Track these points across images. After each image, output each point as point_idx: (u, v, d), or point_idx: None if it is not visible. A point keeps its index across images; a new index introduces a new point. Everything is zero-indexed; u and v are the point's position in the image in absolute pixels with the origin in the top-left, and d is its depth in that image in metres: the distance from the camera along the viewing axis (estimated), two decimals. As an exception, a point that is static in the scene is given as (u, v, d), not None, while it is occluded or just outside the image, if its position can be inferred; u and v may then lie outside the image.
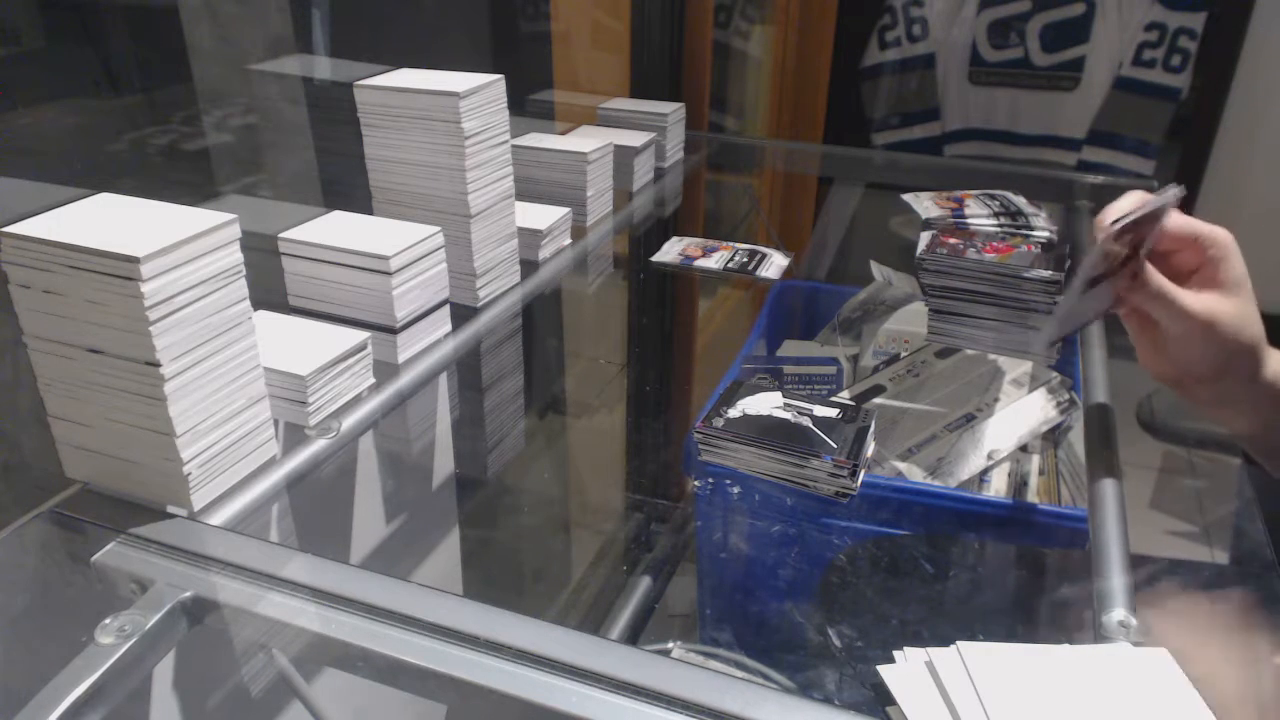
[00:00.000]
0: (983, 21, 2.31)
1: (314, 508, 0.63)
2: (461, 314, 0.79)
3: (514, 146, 0.82)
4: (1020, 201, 0.99)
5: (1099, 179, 1.23)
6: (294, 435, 0.61)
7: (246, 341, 0.54)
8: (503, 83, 0.77)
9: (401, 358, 0.71)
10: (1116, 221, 0.55)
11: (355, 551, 0.71)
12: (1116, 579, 0.51)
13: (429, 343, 0.74)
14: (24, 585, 0.52)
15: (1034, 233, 0.92)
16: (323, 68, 0.87)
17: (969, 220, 0.95)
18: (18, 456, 0.64)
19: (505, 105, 0.78)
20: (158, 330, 0.48)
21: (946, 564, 0.75)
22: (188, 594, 0.47)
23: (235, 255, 0.52)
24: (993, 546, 0.74)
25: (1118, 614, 0.49)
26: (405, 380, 0.70)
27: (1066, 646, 0.44)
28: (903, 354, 0.93)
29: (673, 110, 1.23)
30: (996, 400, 0.83)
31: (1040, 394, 0.83)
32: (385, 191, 0.80)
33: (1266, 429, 0.62)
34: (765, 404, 0.69)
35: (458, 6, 1.10)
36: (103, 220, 0.50)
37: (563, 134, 1.11)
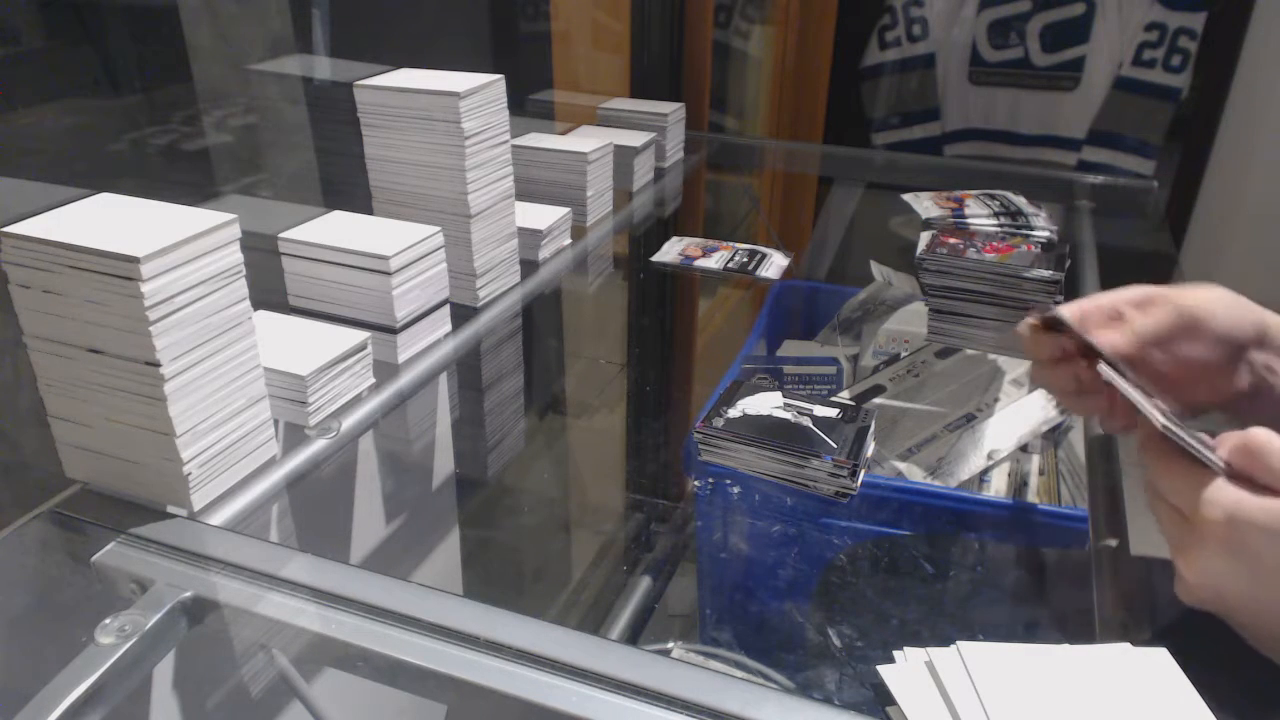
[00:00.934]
0: (983, 21, 2.31)
1: (314, 508, 0.63)
2: (461, 314, 0.79)
3: (514, 146, 0.82)
4: (1020, 201, 0.99)
5: (1099, 179, 1.23)
6: (294, 435, 0.61)
7: (246, 341, 0.54)
8: (503, 83, 0.77)
9: (401, 358, 0.71)
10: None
11: (355, 551, 0.71)
12: (1116, 579, 0.51)
13: (429, 343, 0.74)
14: (24, 585, 0.52)
15: (1034, 233, 0.92)
16: (323, 68, 0.87)
17: (969, 220, 0.95)
18: (18, 456, 0.64)
19: (505, 105, 0.78)
20: (158, 330, 0.48)
21: (946, 564, 0.75)
22: (188, 594, 0.47)
23: (235, 255, 0.52)
24: (993, 546, 0.74)
25: (1118, 614, 0.49)
26: (405, 380, 0.70)
27: (1066, 646, 0.44)
28: (903, 354, 0.93)
29: (673, 110, 1.23)
30: (996, 400, 0.83)
31: (1040, 394, 0.83)
32: (385, 191, 0.80)
33: None
34: (765, 404, 0.69)
35: (458, 6, 1.10)
36: (103, 220, 0.50)
37: (563, 134, 1.11)
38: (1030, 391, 0.84)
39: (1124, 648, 0.45)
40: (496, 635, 0.44)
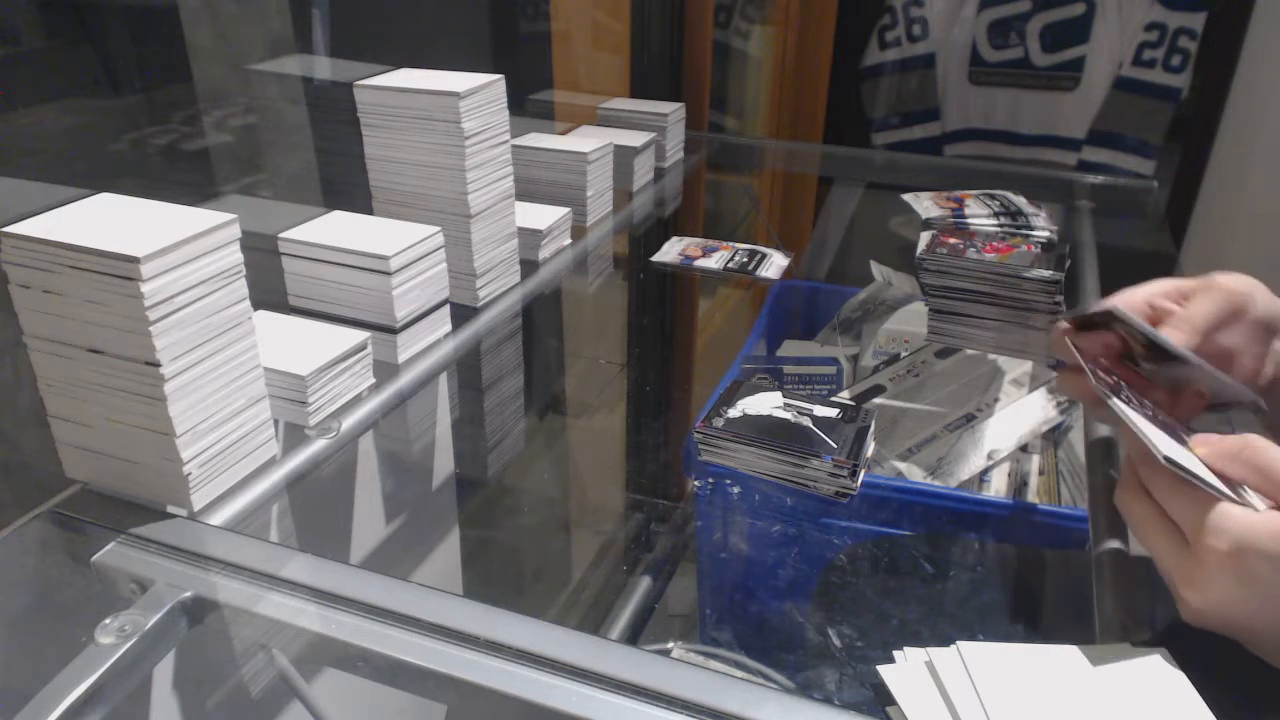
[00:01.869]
0: (983, 21, 2.31)
1: (314, 508, 0.63)
2: (461, 314, 0.79)
3: (514, 146, 0.82)
4: (1020, 201, 0.99)
5: (1099, 179, 1.23)
6: (294, 435, 0.61)
7: (246, 341, 0.54)
8: (503, 83, 0.77)
9: (401, 358, 0.71)
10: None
11: (355, 551, 0.71)
12: (1116, 579, 0.51)
13: (429, 343, 0.74)
14: (24, 585, 0.52)
15: (1034, 233, 0.92)
16: (323, 68, 0.87)
17: (969, 220, 0.95)
18: (18, 456, 0.64)
19: (505, 105, 0.78)
20: (158, 330, 0.48)
21: (946, 564, 0.75)
22: (188, 594, 0.47)
23: (235, 255, 0.52)
24: (993, 546, 0.74)
25: (1118, 614, 0.49)
26: (405, 380, 0.70)
27: (1066, 646, 0.44)
28: (903, 354, 0.93)
29: (673, 110, 1.23)
30: (996, 400, 0.83)
31: (1040, 394, 0.83)
32: (385, 191, 0.80)
33: None
34: (765, 404, 0.69)
35: (458, 6, 1.10)
36: (103, 220, 0.50)
37: (563, 134, 1.11)
38: (1031, 391, 0.84)
39: (1124, 648, 0.45)
40: (496, 635, 0.44)
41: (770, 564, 0.76)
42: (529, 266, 0.89)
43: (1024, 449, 0.81)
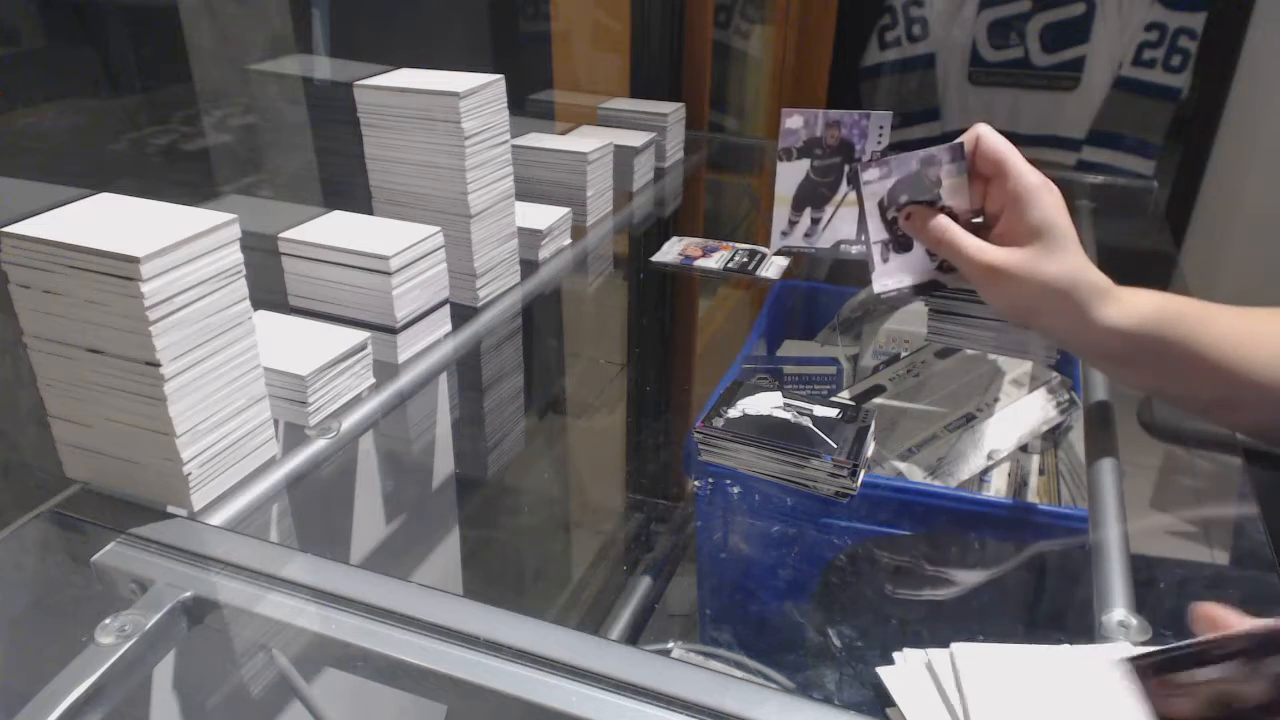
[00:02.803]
0: (983, 21, 2.31)
1: (314, 508, 0.63)
2: (461, 314, 0.79)
3: (514, 146, 0.82)
4: (1020, 201, 0.99)
5: (1099, 179, 1.23)
6: (294, 435, 0.61)
7: (246, 341, 0.54)
8: (503, 83, 0.77)
9: (401, 358, 0.71)
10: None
11: (355, 551, 0.71)
12: (1116, 579, 0.51)
13: (429, 343, 0.74)
14: (24, 585, 0.52)
15: (1034, 233, 0.91)
16: (323, 68, 0.87)
17: (969, 220, 0.94)
18: (18, 456, 0.64)
19: (505, 105, 0.78)
20: (158, 330, 0.48)
21: (946, 564, 0.74)
22: (188, 594, 0.47)
23: (235, 255, 0.52)
24: (993, 546, 0.74)
25: (1118, 614, 0.49)
26: (405, 380, 0.70)
27: (1066, 646, 0.44)
28: (903, 354, 0.92)
29: (673, 110, 1.23)
30: (996, 400, 0.83)
31: (1040, 394, 0.83)
32: (385, 191, 0.80)
33: (1123, 369, 0.62)
34: (765, 404, 0.69)
35: (458, 6, 1.10)
36: (103, 220, 0.50)
37: (563, 134, 1.11)
38: (1031, 391, 0.84)
39: (1124, 647, 0.45)
40: (496, 635, 0.44)
41: (770, 564, 0.76)
42: (529, 266, 0.89)
43: (1024, 449, 0.81)
